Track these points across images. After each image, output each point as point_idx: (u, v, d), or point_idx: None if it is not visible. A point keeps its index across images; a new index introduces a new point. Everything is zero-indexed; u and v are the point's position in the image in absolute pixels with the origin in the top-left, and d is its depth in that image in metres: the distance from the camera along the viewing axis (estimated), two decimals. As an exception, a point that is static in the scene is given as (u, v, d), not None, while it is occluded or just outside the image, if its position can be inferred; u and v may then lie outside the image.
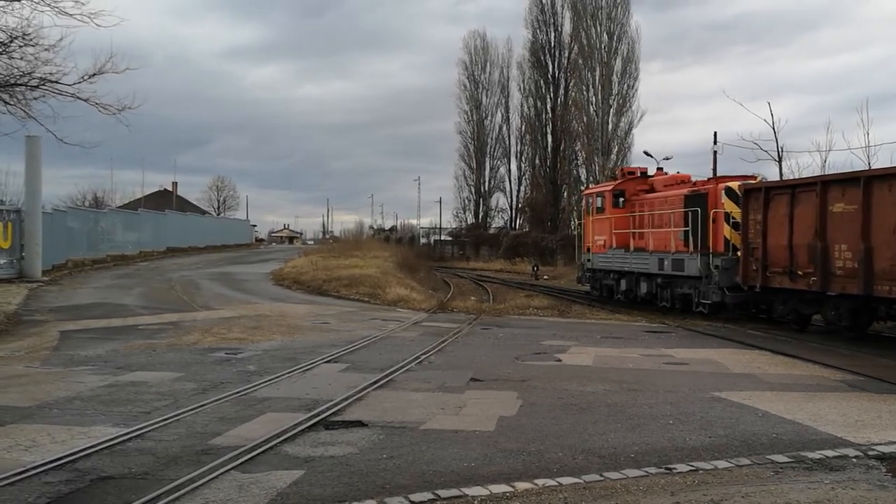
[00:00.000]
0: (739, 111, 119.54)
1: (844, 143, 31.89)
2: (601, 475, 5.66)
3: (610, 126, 50.49)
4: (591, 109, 51.18)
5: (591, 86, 51.30)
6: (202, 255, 45.07)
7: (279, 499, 5.11)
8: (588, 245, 24.52)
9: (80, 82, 14.60)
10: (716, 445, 6.56)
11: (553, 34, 58.20)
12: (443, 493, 5.21)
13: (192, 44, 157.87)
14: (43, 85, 14.52)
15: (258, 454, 6.10)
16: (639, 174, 23.05)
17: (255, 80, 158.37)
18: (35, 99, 14.68)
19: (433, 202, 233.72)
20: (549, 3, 58.05)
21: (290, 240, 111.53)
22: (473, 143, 67.77)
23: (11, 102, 14.58)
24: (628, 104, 51.14)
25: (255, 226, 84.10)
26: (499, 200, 68.43)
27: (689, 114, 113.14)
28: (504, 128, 66.86)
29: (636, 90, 51.42)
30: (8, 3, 14.01)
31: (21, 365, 10.55)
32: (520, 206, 64.85)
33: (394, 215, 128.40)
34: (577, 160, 54.74)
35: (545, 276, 38.53)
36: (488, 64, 67.50)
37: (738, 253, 16.99)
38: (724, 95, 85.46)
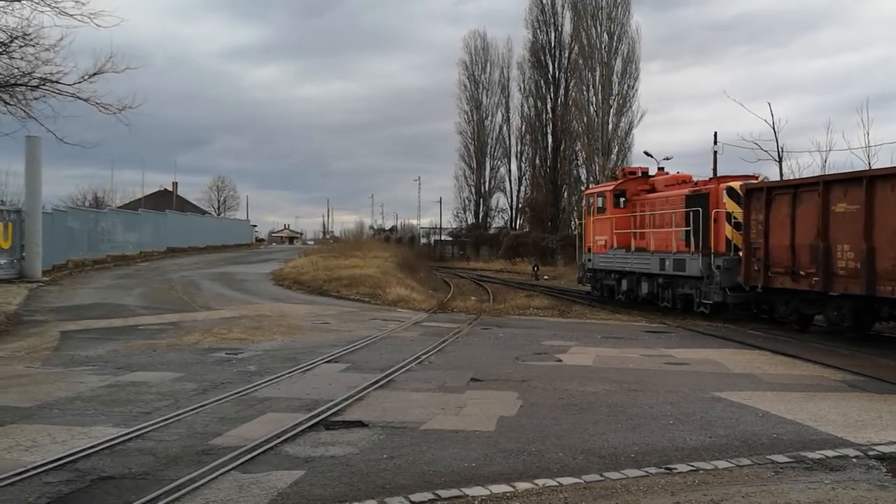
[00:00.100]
0: (740, 111, 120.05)
1: (845, 144, 31.87)
2: (601, 475, 5.66)
3: (610, 126, 50.53)
4: (592, 109, 51.20)
5: (591, 86, 51.34)
6: (202, 256, 45.07)
7: (280, 499, 5.11)
8: (589, 245, 24.49)
9: (80, 82, 14.63)
10: (716, 445, 6.56)
11: (553, 34, 58.39)
12: (443, 493, 5.21)
13: (192, 44, 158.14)
14: (43, 85, 14.52)
15: (258, 454, 6.10)
16: (640, 174, 23.03)
17: (256, 81, 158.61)
18: (35, 99, 14.70)
19: (433, 202, 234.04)
20: (549, 3, 58.22)
21: (291, 240, 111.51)
22: (474, 144, 67.82)
23: (12, 102, 14.59)
24: (628, 104, 51.26)
25: (255, 226, 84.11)
26: (499, 200, 68.62)
27: (690, 114, 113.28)
28: (504, 128, 67.04)
29: (636, 90, 51.57)
30: (8, 3, 14.03)
31: (21, 365, 10.56)
32: (520, 206, 64.90)
33: (394, 215, 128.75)
34: (578, 160, 54.85)
35: (545, 277, 38.53)
36: (488, 64, 67.66)
37: (740, 253, 16.97)
38: (725, 96, 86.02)
